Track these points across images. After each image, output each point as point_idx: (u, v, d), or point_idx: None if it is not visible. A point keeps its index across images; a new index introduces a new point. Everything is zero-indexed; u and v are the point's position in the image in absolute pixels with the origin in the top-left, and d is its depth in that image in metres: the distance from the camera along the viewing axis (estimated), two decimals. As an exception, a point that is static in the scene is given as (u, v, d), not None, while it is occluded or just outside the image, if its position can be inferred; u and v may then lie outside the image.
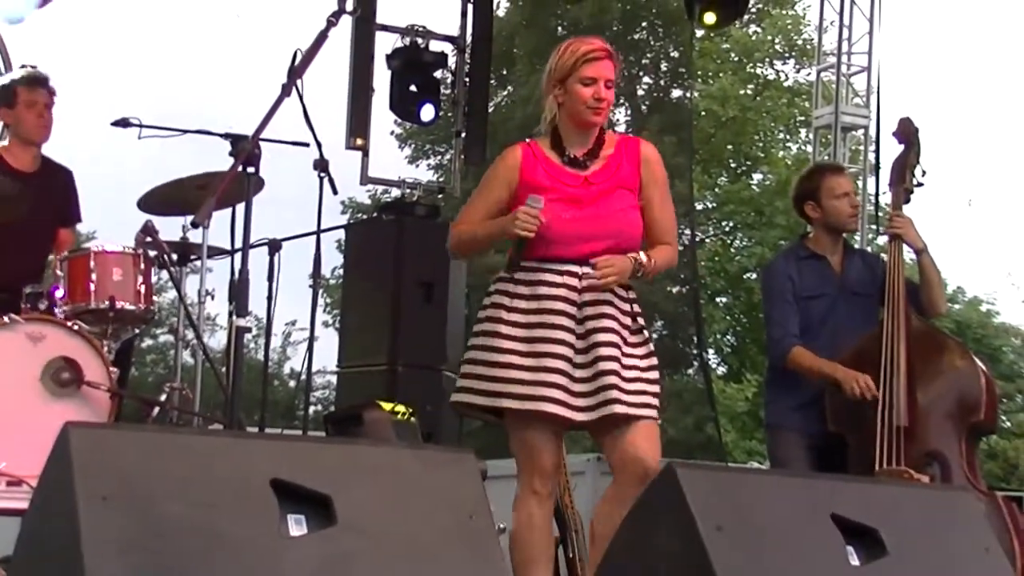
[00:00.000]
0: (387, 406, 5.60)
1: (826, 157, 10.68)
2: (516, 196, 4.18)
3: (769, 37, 25.95)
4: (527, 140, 4.34)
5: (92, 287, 5.28)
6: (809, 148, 12.47)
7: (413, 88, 8.83)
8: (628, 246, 4.19)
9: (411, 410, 5.68)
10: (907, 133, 5.30)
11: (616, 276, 4.11)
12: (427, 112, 8.90)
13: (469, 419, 4.62)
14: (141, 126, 5.63)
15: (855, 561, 3.11)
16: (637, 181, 4.26)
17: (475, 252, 4.65)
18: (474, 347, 4.19)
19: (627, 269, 4.14)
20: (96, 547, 2.42)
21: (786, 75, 26.35)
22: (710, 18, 9.55)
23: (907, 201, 5.25)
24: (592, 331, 4.10)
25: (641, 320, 4.25)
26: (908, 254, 5.30)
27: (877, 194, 10.06)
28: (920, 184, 5.24)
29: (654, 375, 4.21)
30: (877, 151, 5.15)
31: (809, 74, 22.19)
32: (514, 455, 4.24)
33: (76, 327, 5.14)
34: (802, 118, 24.13)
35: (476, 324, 4.21)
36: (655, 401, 4.16)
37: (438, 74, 9.10)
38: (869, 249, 8.89)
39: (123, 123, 5.65)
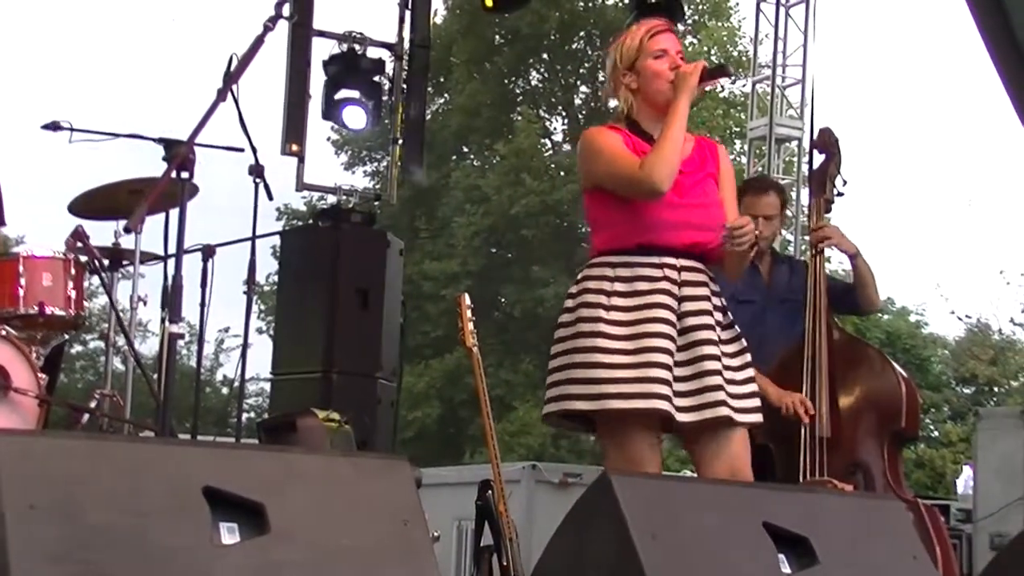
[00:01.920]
0: (321, 414, 5.58)
1: (760, 168, 10.79)
2: None
3: (705, 48, 26.12)
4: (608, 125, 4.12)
5: (21, 292, 5.22)
6: (743, 159, 12.58)
7: (348, 93, 8.79)
8: (718, 239, 3.97)
9: (345, 418, 5.66)
10: (827, 143, 5.32)
11: (748, 239, 3.89)
12: (351, 116, 8.84)
13: (570, 430, 4.30)
14: (72, 130, 5.56)
15: (787, 569, 3.14)
16: (718, 174, 4.11)
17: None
18: (571, 351, 3.93)
19: (753, 238, 3.92)
20: (24, 557, 2.39)
21: (721, 87, 26.53)
22: None
23: (828, 211, 5.28)
24: (692, 328, 3.90)
25: (730, 315, 4.07)
26: (840, 264, 5.35)
27: (810, 205, 10.13)
28: (841, 194, 5.27)
29: (750, 372, 4.02)
30: (811, 163, 5.20)
31: (744, 86, 22.39)
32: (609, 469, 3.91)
33: (4, 332, 5.07)
34: (737, 129, 24.34)
35: (567, 327, 3.97)
36: (752, 403, 3.98)
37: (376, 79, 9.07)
38: (803, 259, 8.97)
39: (54, 126, 5.58)
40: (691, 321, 3.90)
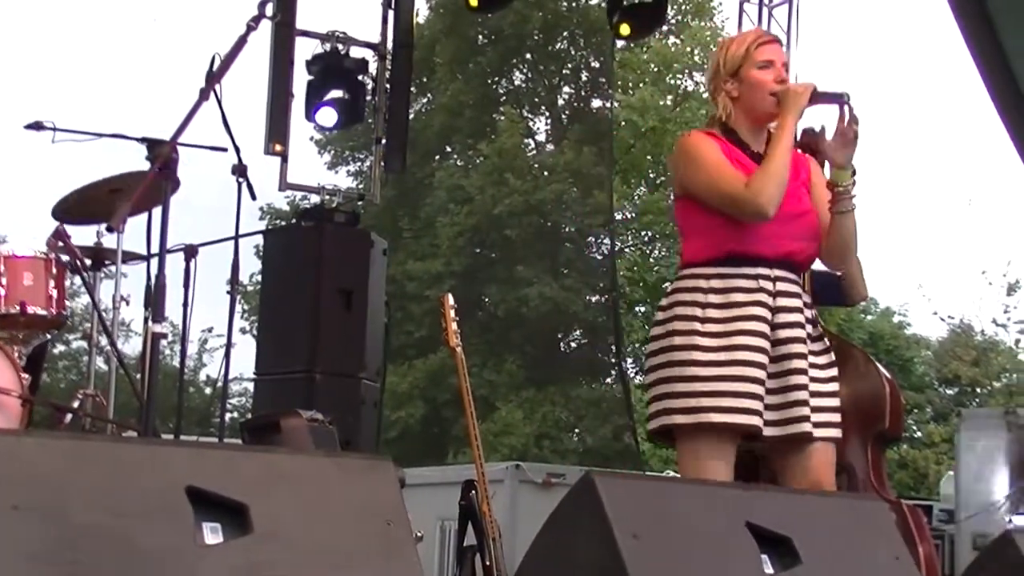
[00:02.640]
0: (305, 413, 5.57)
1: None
2: None
3: (688, 49, 26.19)
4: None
5: (2, 292, 5.20)
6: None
7: (332, 93, 8.78)
8: (815, 250, 3.99)
9: (329, 418, 5.65)
10: (810, 144, 5.33)
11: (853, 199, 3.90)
12: (324, 116, 8.83)
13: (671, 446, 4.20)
14: (55, 129, 5.55)
15: (769, 570, 3.14)
16: (810, 181, 4.06)
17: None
18: (665, 364, 3.90)
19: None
20: (6, 557, 2.38)
21: (705, 87, 26.58)
22: (625, 29, 9.60)
23: None
24: (784, 341, 3.87)
25: (820, 327, 4.04)
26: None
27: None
28: None
29: (835, 387, 3.98)
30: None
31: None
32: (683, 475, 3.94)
33: (-14, 332, 5.06)
34: (720, 129, 24.35)
35: (660, 339, 3.94)
36: (832, 418, 3.94)
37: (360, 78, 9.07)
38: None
39: (36, 126, 5.57)
40: (783, 334, 3.87)
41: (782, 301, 3.88)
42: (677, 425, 3.87)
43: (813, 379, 3.90)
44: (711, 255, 3.90)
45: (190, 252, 5.34)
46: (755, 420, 3.81)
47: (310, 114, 8.78)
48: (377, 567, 2.79)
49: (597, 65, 25.85)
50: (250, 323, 23.61)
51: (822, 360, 3.96)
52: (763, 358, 3.83)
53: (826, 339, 4.01)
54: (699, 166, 3.92)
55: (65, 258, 5.44)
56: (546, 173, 24.53)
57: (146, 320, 4.26)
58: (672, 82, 26.41)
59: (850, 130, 3.88)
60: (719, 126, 4.00)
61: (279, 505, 2.72)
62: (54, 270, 5.33)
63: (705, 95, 26.61)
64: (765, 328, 3.84)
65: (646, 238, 26.54)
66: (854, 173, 3.92)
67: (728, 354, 3.82)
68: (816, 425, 3.87)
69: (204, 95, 4.18)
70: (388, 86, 9.05)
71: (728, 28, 24.63)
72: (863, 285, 5.35)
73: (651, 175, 26.61)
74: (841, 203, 3.92)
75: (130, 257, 5.69)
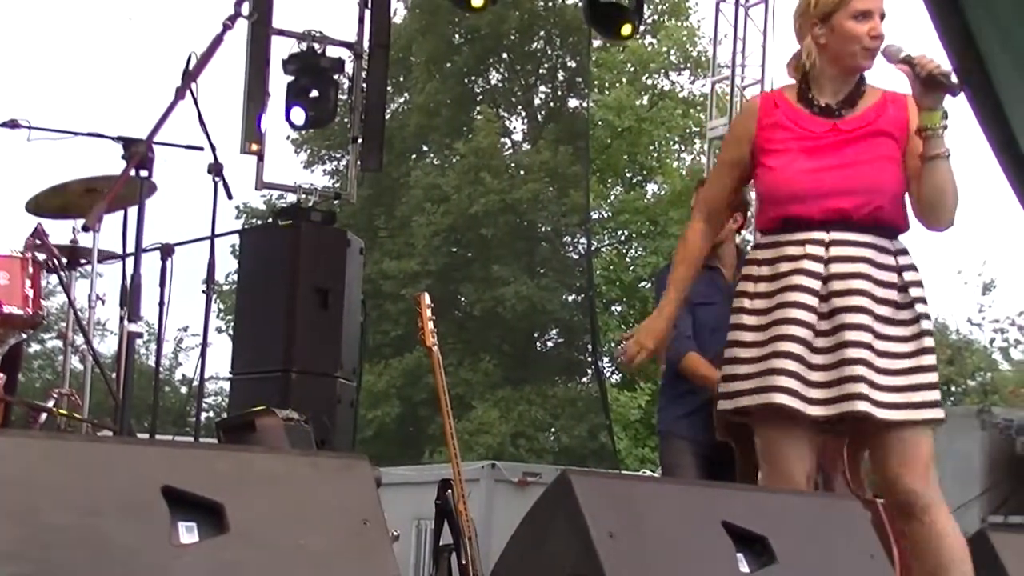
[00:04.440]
0: (281, 413, 5.56)
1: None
2: (756, 147, 3.67)
3: (664, 48, 26.23)
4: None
5: (-22, 291, 5.17)
6: (703, 159, 12.62)
7: (310, 92, 8.78)
8: (882, 203, 3.57)
9: (305, 417, 5.64)
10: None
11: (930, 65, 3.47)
12: (297, 115, 8.82)
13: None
14: (31, 128, 5.51)
15: (745, 568, 3.15)
16: (905, 128, 3.62)
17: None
18: (725, 345, 3.72)
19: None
20: (-20, 556, 2.38)
21: (681, 86, 26.64)
22: (627, 29, 9.55)
23: None
24: (839, 310, 3.51)
25: (915, 292, 3.59)
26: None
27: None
28: None
29: (925, 360, 3.56)
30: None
31: (704, 85, 22.48)
32: (762, 470, 3.73)
33: (-39, 332, 5.03)
34: (696, 129, 24.44)
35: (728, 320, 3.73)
36: (921, 397, 3.53)
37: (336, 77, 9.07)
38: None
39: (12, 124, 5.53)
40: (837, 303, 3.52)
41: (837, 267, 3.54)
42: (721, 411, 3.72)
43: (882, 353, 3.52)
44: (764, 225, 3.71)
45: (166, 251, 5.32)
46: (777, 398, 3.51)
47: (285, 113, 8.77)
48: (353, 566, 2.79)
49: (573, 65, 25.89)
50: (226, 322, 23.56)
51: (897, 332, 3.56)
52: (802, 332, 3.52)
53: (914, 308, 3.57)
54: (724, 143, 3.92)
55: (41, 257, 5.41)
56: (522, 172, 24.54)
57: (122, 319, 4.24)
58: (648, 82, 26.46)
59: (936, 70, 3.50)
60: (798, 74, 3.70)
61: (255, 505, 2.72)
62: (30, 269, 5.30)
63: (681, 95, 26.67)
64: (809, 299, 3.54)
65: (622, 237, 26.58)
66: (945, 116, 3.53)
67: (766, 332, 3.57)
68: (882, 406, 3.49)
69: (180, 94, 4.17)
70: (364, 85, 9.04)
71: (704, 28, 24.72)
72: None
73: (627, 174, 26.67)
74: (929, 146, 3.53)
75: (106, 256, 5.66)
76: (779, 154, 3.64)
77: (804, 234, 3.58)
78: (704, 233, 3.89)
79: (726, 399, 3.70)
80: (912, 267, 3.63)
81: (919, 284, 3.61)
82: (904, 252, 3.64)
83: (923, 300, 3.61)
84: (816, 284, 3.55)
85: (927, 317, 3.61)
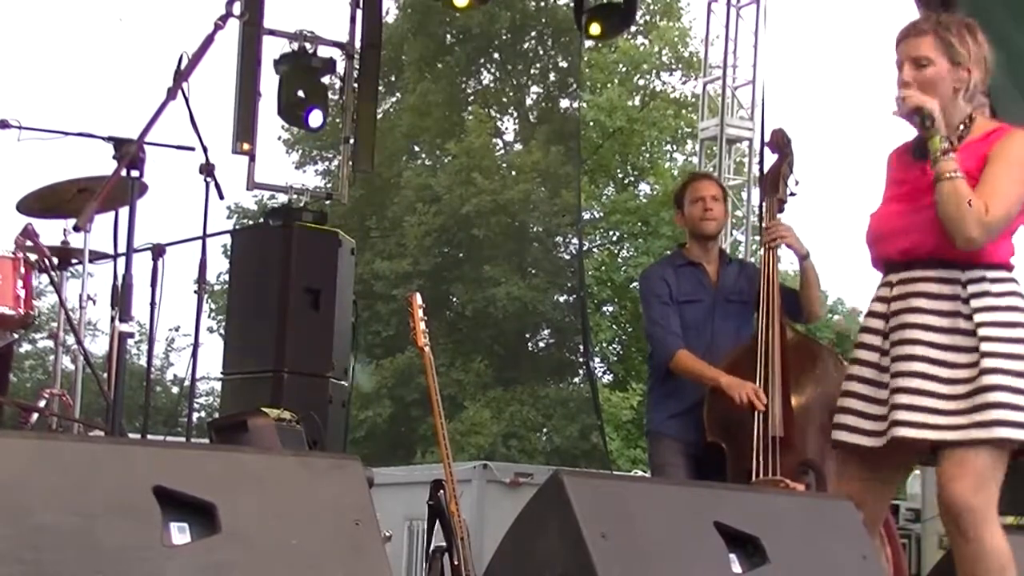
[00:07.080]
0: (272, 413, 5.55)
1: (711, 168, 10.82)
2: None
3: (656, 49, 26.24)
4: None
5: (-31, 291, 5.16)
6: (695, 159, 12.64)
7: (301, 93, 8.78)
8: (941, 239, 3.62)
9: (296, 417, 5.63)
10: (780, 143, 5.33)
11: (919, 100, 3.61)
12: (315, 118, 8.85)
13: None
14: (21, 128, 5.50)
15: (737, 569, 3.15)
16: (981, 163, 3.66)
17: None
18: None
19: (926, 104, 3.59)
20: (-30, 557, 2.37)
21: (672, 87, 26.65)
22: (595, 29, 9.60)
23: (781, 211, 5.28)
24: (897, 343, 3.71)
25: (981, 317, 3.61)
26: (789, 265, 5.37)
27: (761, 205, 10.19)
28: (794, 194, 5.27)
29: (986, 381, 3.56)
30: (761, 163, 5.22)
31: (695, 86, 22.49)
32: None
33: (-48, 332, 5.02)
34: (688, 129, 24.47)
35: None
36: (981, 417, 3.54)
37: (326, 80, 9.07)
38: (753, 260, 9.01)
39: (2, 124, 5.52)
40: (895, 336, 3.72)
41: (899, 304, 3.72)
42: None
43: (936, 378, 3.60)
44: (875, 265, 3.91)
45: (157, 251, 5.31)
46: (837, 435, 3.81)
47: (303, 118, 8.77)
48: (346, 567, 2.79)
49: (565, 65, 25.88)
50: (217, 322, 23.51)
51: (957, 358, 3.62)
52: (865, 371, 3.78)
53: (981, 331, 3.61)
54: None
55: (33, 257, 5.40)
56: (514, 173, 24.54)
57: (113, 319, 4.23)
58: (640, 82, 26.46)
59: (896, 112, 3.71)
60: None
61: (247, 505, 2.71)
62: (22, 269, 5.29)
63: (673, 95, 26.64)
64: (873, 340, 3.79)
65: (614, 238, 26.58)
66: (943, 140, 3.62)
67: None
68: (925, 427, 3.59)
69: (171, 94, 4.16)
70: (356, 85, 9.04)
71: (696, 29, 24.73)
72: (818, 303, 5.39)
73: (619, 175, 26.67)
74: (934, 170, 3.63)
75: (97, 256, 5.66)
76: (883, 200, 3.88)
77: (884, 277, 3.81)
78: None
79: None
80: (983, 294, 3.64)
81: (991, 309, 3.64)
82: (976, 281, 3.65)
83: (995, 324, 3.63)
84: (880, 324, 3.79)
85: (998, 340, 3.61)
